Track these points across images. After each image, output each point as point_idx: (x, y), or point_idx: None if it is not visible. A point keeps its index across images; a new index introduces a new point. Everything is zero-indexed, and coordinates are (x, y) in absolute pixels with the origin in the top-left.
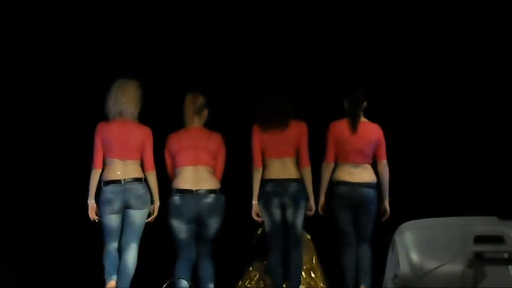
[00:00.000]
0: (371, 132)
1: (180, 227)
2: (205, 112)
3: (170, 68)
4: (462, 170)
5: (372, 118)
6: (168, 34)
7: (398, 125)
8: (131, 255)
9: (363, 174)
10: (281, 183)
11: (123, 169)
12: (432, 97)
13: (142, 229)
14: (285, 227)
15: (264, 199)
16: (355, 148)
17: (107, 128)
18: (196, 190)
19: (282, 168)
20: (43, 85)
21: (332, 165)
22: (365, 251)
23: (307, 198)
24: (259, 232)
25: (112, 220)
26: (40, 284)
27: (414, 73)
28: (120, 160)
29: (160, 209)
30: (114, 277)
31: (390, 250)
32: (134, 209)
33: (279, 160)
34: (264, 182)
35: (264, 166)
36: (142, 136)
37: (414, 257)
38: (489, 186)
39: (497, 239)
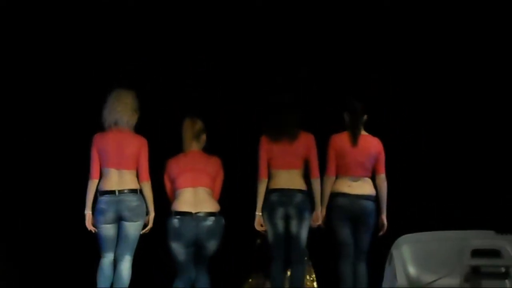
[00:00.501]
0: (371, 145)
1: (179, 250)
2: (204, 137)
3: (170, 69)
4: (459, 184)
5: (370, 131)
6: (168, 34)
7: (395, 138)
8: (125, 267)
9: (363, 187)
10: (286, 193)
11: (119, 179)
12: (428, 109)
13: (137, 241)
14: (289, 238)
15: (269, 209)
16: (355, 161)
17: (103, 138)
18: (196, 213)
19: (289, 179)
20: (43, 92)
21: (333, 178)
22: (362, 270)
23: (312, 210)
24: (258, 241)
25: (107, 230)
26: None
27: (411, 85)
28: (116, 170)
29: (155, 220)
30: None
31: (387, 264)
32: (128, 221)
33: (286, 171)
34: (269, 191)
35: (270, 177)
36: (137, 145)
37: (411, 270)
38: (487, 200)
39: (494, 253)
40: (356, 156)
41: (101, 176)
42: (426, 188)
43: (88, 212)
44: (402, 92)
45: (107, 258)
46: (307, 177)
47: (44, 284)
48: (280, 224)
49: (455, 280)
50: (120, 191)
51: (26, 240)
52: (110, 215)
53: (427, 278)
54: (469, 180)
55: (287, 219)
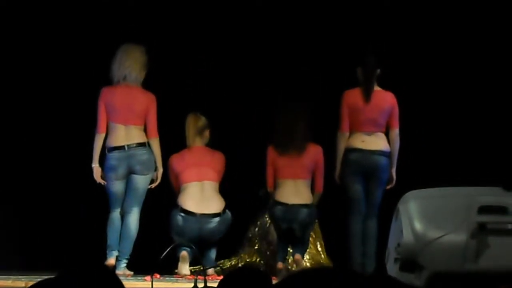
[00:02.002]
0: (384, 100)
1: (181, 241)
2: (207, 133)
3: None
4: (468, 140)
5: (383, 86)
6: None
7: (407, 94)
8: (133, 219)
9: (377, 142)
10: (291, 209)
11: (126, 134)
12: (443, 65)
13: (145, 194)
14: (293, 240)
15: (273, 221)
16: (368, 117)
17: (111, 92)
18: (201, 214)
19: (294, 191)
20: (44, 50)
21: (347, 134)
22: (373, 225)
23: (315, 221)
24: (262, 191)
25: (117, 186)
26: (42, 248)
27: (428, 40)
28: (124, 126)
29: (162, 175)
30: (115, 253)
31: (393, 219)
32: (139, 174)
33: (292, 181)
34: (274, 203)
35: (276, 186)
36: (146, 102)
37: (418, 226)
38: (495, 156)
39: (501, 210)
40: (369, 112)
41: (107, 131)
42: (436, 144)
43: (95, 165)
44: (415, 59)
45: (116, 213)
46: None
47: (53, 240)
48: (284, 236)
49: (461, 237)
50: (129, 146)
51: (32, 195)
52: (122, 171)
53: (433, 233)
54: (478, 137)
55: (291, 231)
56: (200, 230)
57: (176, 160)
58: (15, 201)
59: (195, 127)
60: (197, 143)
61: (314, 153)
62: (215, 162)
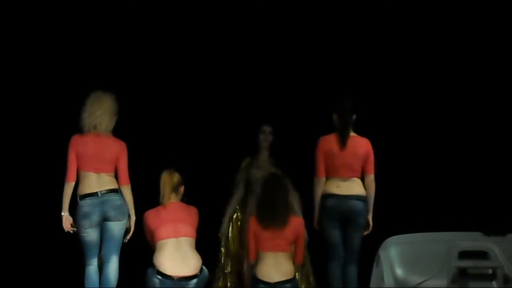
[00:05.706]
0: (359, 146)
1: None
2: (182, 189)
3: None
4: (447, 185)
5: (359, 131)
6: (164, 38)
7: (385, 139)
8: (113, 268)
9: (352, 187)
10: (273, 287)
11: (97, 181)
12: (416, 110)
13: (121, 241)
14: None
15: None
16: (344, 163)
17: (82, 141)
18: (178, 278)
19: (275, 266)
20: (20, 95)
21: (323, 180)
22: (352, 271)
23: None
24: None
25: (91, 234)
26: None
27: (401, 87)
28: (95, 173)
29: (136, 223)
30: None
31: (374, 265)
32: (113, 221)
33: (273, 254)
34: (256, 281)
35: (258, 259)
36: (117, 150)
37: (399, 272)
38: (474, 201)
39: (482, 255)
40: (344, 158)
41: (77, 180)
42: (414, 190)
43: (65, 214)
44: (391, 92)
45: (93, 265)
46: None
47: None
48: None
49: (442, 282)
50: (102, 192)
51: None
52: (95, 217)
53: (414, 279)
54: (457, 182)
55: None
56: None
57: (152, 217)
58: None
59: (171, 184)
60: (172, 199)
61: (296, 225)
62: (191, 217)
